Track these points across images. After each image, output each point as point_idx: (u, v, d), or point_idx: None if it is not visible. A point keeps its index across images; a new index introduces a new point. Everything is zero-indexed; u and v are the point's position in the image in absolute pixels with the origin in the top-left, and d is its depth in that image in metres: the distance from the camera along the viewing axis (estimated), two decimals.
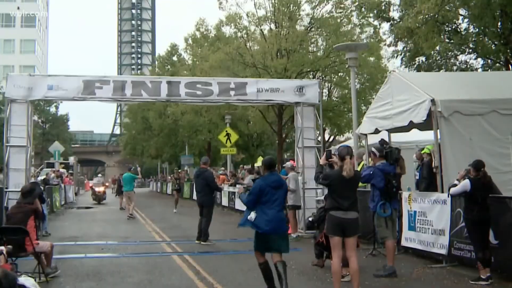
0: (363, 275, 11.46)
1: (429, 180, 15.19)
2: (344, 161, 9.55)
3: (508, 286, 10.47)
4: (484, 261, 10.93)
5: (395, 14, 28.71)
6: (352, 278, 9.66)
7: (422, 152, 16.35)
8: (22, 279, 4.91)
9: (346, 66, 27.95)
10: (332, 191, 9.72)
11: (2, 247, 8.77)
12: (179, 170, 50.89)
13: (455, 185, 11.44)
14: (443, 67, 27.96)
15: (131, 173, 30.12)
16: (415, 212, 13.67)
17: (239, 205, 28.81)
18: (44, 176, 30.68)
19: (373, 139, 18.21)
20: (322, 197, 15.58)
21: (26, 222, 11.45)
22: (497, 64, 26.27)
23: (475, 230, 11.04)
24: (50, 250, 11.94)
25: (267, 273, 9.83)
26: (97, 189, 44.96)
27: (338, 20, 36.62)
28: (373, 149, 12.94)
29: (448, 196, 12.29)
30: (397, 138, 18.97)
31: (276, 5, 36.08)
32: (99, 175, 54.64)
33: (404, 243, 14.14)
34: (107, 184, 51.05)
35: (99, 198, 43.53)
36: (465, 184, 11.13)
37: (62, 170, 43.05)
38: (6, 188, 17.80)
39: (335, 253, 9.59)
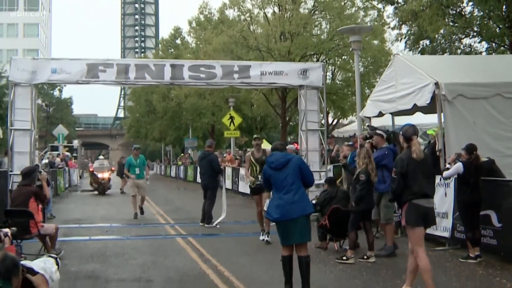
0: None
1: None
2: (411, 142, 8.61)
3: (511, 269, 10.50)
4: (473, 240, 11.32)
5: None
6: (412, 272, 8.70)
7: (428, 132, 16.39)
8: (37, 261, 4.90)
9: (350, 49, 27.79)
10: (411, 177, 8.47)
11: (7, 229, 8.81)
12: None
13: (447, 169, 11.70)
14: (447, 51, 27.83)
15: (134, 155, 21.14)
16: None
17: (243, 187, 28.86)
18: (47, 160, 30.73)
19: (377, 122, 18.24)
20: (323, 181, 15.61)
21: (27, 203, 11.55)
22: (502, 48, 26.16)
23: (467, 211, 11.31)
24: (54, 232, 12.02)
25: (284, 267, 8.83)
26: (100, 175, 33.62)
27: (342, 3, 36.57)
28: (380, 132, 12.97)
29: (440, 180, 12.46)
30: (400, 121, 18.95)
31: None
32: (101, 156, 46.69)
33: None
34: (113, 168, 38.25)
35: (103, 187, 33.26)
36: (458, 167, 11.42)
37: (66, 153, 43.10)
38: (11, 171, 17.87)
39: (421, 247, 8.47)
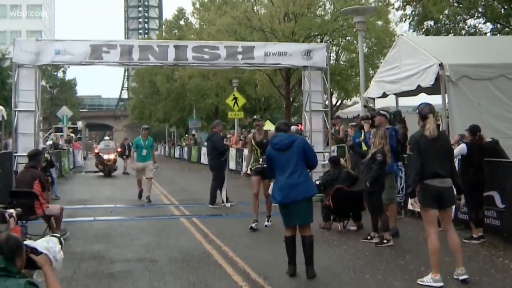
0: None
1: None
2: (426, 120, 8.40)
3: None
4: (476, 221, 11.34)
5: None
6: (455, 253, 8.53)
7: None
8: (41, 241, 4.91)
9: (354, 30, 27.84)
10: (423, 156, 8.34)
11: (12, 210, 8.88)
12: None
13: None
14: (451, 31, 27.74)
15: (142, 135, 20.14)
16: None
17: None
18: (51, 142, 30.78)
19: (381, 103, 18.24)
20: (327, 161, 15.64)
21: (32, 185, 11.64)
22: (506, 29, 26.07)
23: (470, 191, 11.22)
24: (59, 213, 12.10)
25: (288, 248, 9.02)
26: (106, 156, 32.43)
27: None
28: (383, 112, 12.97)
29: None
30: (404, 102, 18.97)
31: None
32: (106, 137, 45.29)
33: (411, 206, 14.17)
34: (119, 149, 36.74)
35: (109, 169, 32.19)
36: (462, 148, 11.45)
37: (71, 134, 43.18)
38: (15, 152, 17.92)
39: (433, 229, 8.38)
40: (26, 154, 13.55)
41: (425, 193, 8.35)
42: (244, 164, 14.83)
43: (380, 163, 11.29)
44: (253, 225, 13.17)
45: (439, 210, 8.46)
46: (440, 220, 8.82)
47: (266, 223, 13.62)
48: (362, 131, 15.06)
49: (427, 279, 8.26)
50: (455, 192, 8.57)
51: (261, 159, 13.44)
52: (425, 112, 8.49)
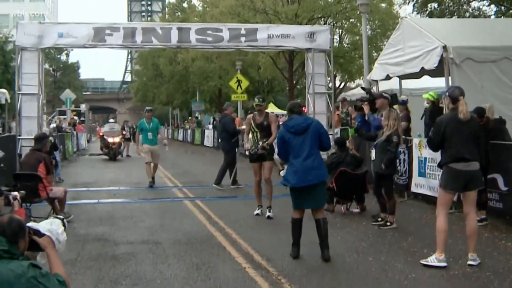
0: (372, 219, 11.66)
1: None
2: (458, 102, 8.34)
3: None
4: (479, 203, 11.20)
5: None
6: (469, 237, 8.52)
7: (424, 97, 16.32)
8: (44, 223, 4.92)
9: (358, 12, 27.65)
10: (448, 140, 8.42)
11: (16, 193, 8.91)
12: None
13: None
14: (455, 14, 27.61)
15: (146, 117, 19.32)
16: (425, 158, 13.66)
17: None
18: (54, 124, 30.81)
19: (385, 86, 18.20)
20: (332, 143, 15.65)
21: (37, 168, 11.70)
22: (510, 11, 25.95)
23: None
24: (63, 195, 12.15)
25: (294, 229, 9.02)
26: (110, 139, 31.86)
27: None
28: (386, 95, 12.93)
29: None
30: (408, 85, 18.92)
31: None
32: (111, 120, 44.73)
33: (414, 189, 14.19)
34: (124, 132, 34.99)
35: (114, 153, 31.55)
36: None
37: (75, 117, 43.27)
38: (19, 135, 17.97)
39: (444, 210, 8.47)
40: (30, 137, 13.63)
41: (448, 176, 8.45)
42: (244, 141, 13.94)
43: (396, 145, 11.28)
44: (258, 211, 12.87)
45: (462, 192, 8.63)
46: (463, 202, 8.86)
47: (268, 214, 12.65)
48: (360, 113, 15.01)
49: (431, 259, 8.31)
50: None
51: (260, 142, 12.77)
52: (455, 94, 8.48)
